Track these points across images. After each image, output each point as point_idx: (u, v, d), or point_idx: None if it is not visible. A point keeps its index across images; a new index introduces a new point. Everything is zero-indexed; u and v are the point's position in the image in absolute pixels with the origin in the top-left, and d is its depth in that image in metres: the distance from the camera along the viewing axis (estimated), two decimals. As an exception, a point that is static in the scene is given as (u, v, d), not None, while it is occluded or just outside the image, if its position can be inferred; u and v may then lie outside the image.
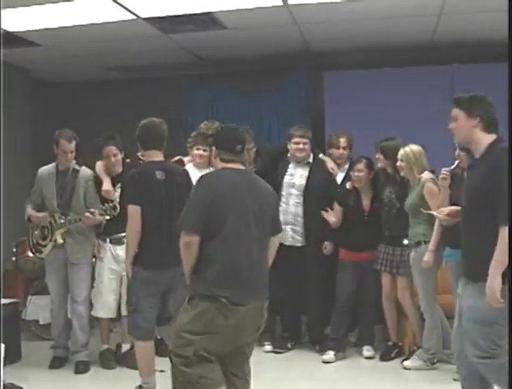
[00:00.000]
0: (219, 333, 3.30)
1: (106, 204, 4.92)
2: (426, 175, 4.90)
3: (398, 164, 4.96)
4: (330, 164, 5.64)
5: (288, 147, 5.56)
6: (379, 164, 5.34)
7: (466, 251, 3.40)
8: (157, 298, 4.25)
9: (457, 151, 4.60)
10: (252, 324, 3.41)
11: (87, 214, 4.91)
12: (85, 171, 5.21)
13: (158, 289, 4.24)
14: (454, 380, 4.60)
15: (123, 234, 4.71)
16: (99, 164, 5.28)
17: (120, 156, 5.20)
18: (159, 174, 4.23)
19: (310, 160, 5.58)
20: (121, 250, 4.97)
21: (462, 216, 3.46)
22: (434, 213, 3.98)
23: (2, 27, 5.53)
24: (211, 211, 3.29)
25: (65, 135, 5.06)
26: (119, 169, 5.23)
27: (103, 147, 5.19)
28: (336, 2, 5.24)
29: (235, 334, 3.34)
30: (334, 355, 5.29)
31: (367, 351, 5.37)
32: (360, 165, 5.36)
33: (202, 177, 3.51)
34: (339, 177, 5.69)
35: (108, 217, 4.93)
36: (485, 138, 3.28)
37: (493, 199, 3.11)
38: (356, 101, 6.61)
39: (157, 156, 4.34)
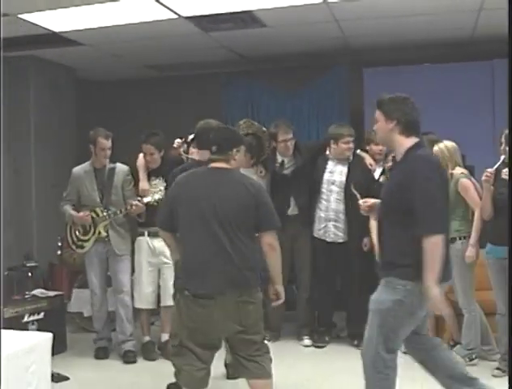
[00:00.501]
0: (194, 324, 3.46)
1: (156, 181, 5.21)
2: (457, 170, 4.90)
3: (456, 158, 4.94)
4: (368, 160, 5.67)
5: (333, 145, 5.58)
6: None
7: (379, 247, 3.45)
8: None
9: (502, 146, 4.56)
10: (231, 315, 3.45)
11: (135, 202, 5.05)
12: (121, 167, 5.37)
13: None
14: (493, 376, 4.62)
15: None
16: (141, 158, 5.42)
17: (157, 155, 5.33)
18: None
19: (351, 156, 5.63)
20: (158, 243, 5.09)
21: (378, 215, 3.49)
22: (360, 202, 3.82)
23: (49, 27, 5.70)
24: (172, 209, 3.58)
25: (102, 134, 5.24)
26: (156, 165, 5.37)
27: (142, 144, 5.34)
28: (375, -1, 5.28)
29: (211, 325, 3.46)
30: None
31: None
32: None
33: (177, 177, 3.76)
34: (377, 173, 5.71)
35: (157, 199, 5.08)
36: (404, 142, 3.29)
37: (408, 208, 3.13)
38: (395, 98, 6.61)
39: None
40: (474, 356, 4.91)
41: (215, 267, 3.43)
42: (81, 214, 5.21)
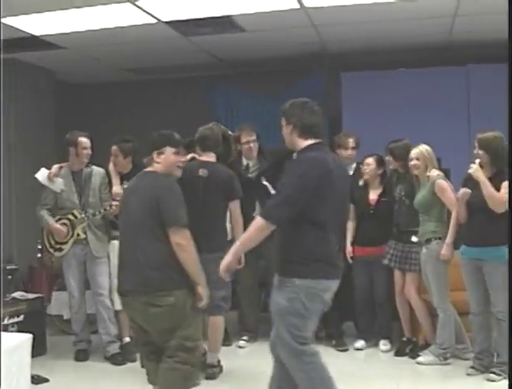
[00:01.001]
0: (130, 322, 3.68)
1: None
2: (434, 172, 5.00)
3: (413, 162, 5.04)
4: None
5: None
6: (391, 166, 5.45)
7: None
8: None
9: (475, 150, 4.65)
10: (143, 316, 3.50)
11: (115, 202, 5.10)
12: (98, 170, 5.43)
13: None
14: (468, 375, 4.71)
15: None
16: (111, 166, 5.50)
17: (121, 158, 5.41)
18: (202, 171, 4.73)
19: None
20: None
21: None
22: None
23: (29, 31, 5.73)
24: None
25: (82, 134, 5.31)
26: (124, 170, 5.44)
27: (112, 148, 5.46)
28: (353, 5, 5.33)
29: (133, 323, 3.62)
30: (366, 343, 5.56)
31: (383, 345, 5.50)
32: (370, 159, 5.51)
33: None
34: None
35: None
36: (301, 144, 3.46)
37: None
38: (372, 102, 6.72)
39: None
40: (448, 356, 5.00)
41: (127, 267, 3.57)
42: (56, 226, 5.23)
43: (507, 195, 4.40)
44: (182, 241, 3.47)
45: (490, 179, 4.56)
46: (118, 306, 5.38)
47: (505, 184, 4.44)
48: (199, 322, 3.64)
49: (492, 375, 4.56)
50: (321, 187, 3.30)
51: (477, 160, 4.62)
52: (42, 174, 5.30)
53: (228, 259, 3.41)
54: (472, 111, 6.52)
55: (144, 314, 3.49)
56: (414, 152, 5.03)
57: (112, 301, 5.36)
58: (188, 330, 3.50)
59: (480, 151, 4.59)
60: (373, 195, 5.52)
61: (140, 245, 3.51)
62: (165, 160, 3.68)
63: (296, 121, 3.45)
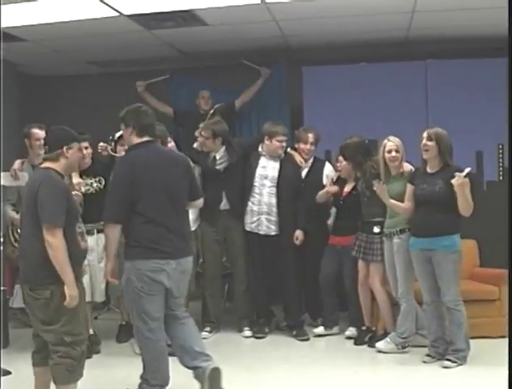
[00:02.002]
0: None
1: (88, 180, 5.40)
2: (408, 166, 5.15)
3: (393, 154, 5.10)
4: (298, 158, 5.91)
5: (267, 142, 5.77)
6: (339, 168, 5.69)
7: None
8: None
9: (423, 141, 4.78)
10: (28, 306, 3.69)
11: (74, 192, 5.11)
12: None
13: None
14: (424, 362, 4.85)
15: (92, 224, 5.16)
16: None
17: (90, 150, 5.48)
18: None
19: (282, 154, 5.84)
20: (92, 241, 5.21)
21: None
22: None
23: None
24: None
25: (35, 125, 5.35)
26: (88, 164, 5.51)
27: None
28: (312, 0, 5.41)
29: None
30: (325, 329, 5.71)
31: (349, 331, 5.64)
32: (340, 157, 5.69)
33: None
34: (303, 172, 5.96)
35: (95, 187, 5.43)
36: (136, 142, 4.04)
37: None
38: (334, 96, 6.79)
39: None
40: (407, 345, 5.14)
41: (19, 262, 3.80)
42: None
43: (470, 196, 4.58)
44: (50, 238, 3.50)
45: (437, 173, 4.74)
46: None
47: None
48: (81, 318, 3.70)
49: (447, 362, 4.71)
50: (135, 181, 3.88)
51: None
52: (4, 177, 5.28)
53: (110, 265, 4.04)
54: (431, 106, 6.65)
55: (29, 306, 3.65)
56: (392, 144, 5.13)
57: None
58: (67, 326, 3.58)
59: (430, 143, 4.73)
60: (347, 188, 5.68)
61: (24, 242, 3.73)
62: (72, 155, 3.76)
63: (134, 124, 4.01)
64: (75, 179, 5.38)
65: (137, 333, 4.07)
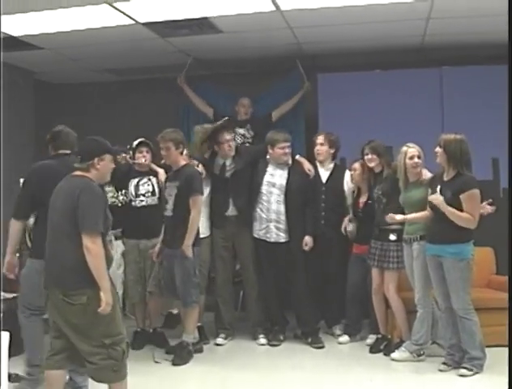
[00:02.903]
0: None
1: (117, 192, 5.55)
2: (427, 173, 5.14)
3: (416, 160, 5.08)
4: (306, 165, 5.89)
5: (270, 150, 5.78)
6: (372, 164, 5.52)
7: None
8: None
9: (437, 148, 4.79)
10: (58, 311, 3.69)
11: None
12: None
13: None
14: (440, 370, 4.82)
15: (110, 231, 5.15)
16: None
17: None
18: None
19: (289, 161, 5.83)
20: None
21: None
22: None
23: (8, 32, 5.74)
24: None
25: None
26: None
27: None
28: (328, 7, 5.41)
29: (50, 314, 3.82)
30: (349, 337, 5.73)
31: (370, 339, 5.65)
32: (356, 164, 5.68)
33: None
34: (324, 176, 5.93)
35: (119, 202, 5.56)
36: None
37: None
38: (348, 103, 6.77)
39: None
40: (422, 352, 5.10)
41: (47, 265, 3.76)
42: None
43: (474, 209, 4.59)
44: (90, 245, 3.56)
45: (450, 181, 4.71)
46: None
47: (470, 195, 4.58)
48: (118, 318, 3.75)
49: (463, 370, 4.68)
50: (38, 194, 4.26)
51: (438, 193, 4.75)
52: None
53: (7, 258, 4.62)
54: (446, 113, 6.62)
55: (63, 310, 3.65)
56: (414, 151, 5.12)
57: None
58: (106, 329, 3.64)
59: (439, 149, 4.74)
60: (362, 198, 5.68)
61: (56, 247, 3.71)
62: (103, 166, 3.81)
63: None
64: None
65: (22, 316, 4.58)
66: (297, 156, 5.96)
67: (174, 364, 5.15)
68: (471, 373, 4.65)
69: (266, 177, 5.78)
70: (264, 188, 5.75)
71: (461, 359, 4.77)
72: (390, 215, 5.04)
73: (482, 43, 6.42)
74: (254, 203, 5.78)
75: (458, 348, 4.81)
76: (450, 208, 4.64)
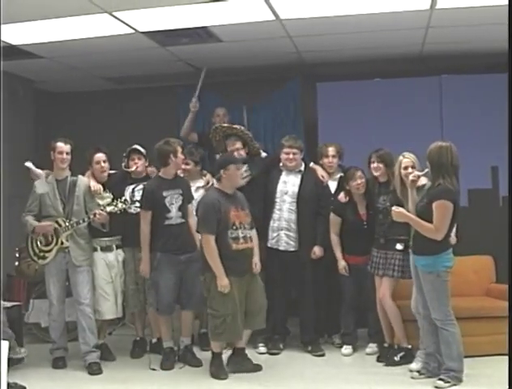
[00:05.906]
0: None
1: (115, 200, 5.33)
2: (423, 180, 5.05)
3: (410, 170, 5.02)
4: (320, 172, 5.86)
5: (281, 156, 5.78)
6: (377, 173, 5.50)
7: None
8: None
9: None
10: None
11: (98, 211, 5.20)
12: (82, 179, 5.48)
13: None
14: (412, 378, 4.78)
15: (110, 238, 5.47)
16: (88, 174, 5.64)
17: (107, 164, 5.62)
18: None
19: (302, 168, 5.80)
20: (112, 256, 5.49)
21: None
22: None
23: (8, 40, 5.75)
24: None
25: (60, 139, 5.38)
26: (105, 178, 5.64)
27: (92, 156, 5.62)
28: (327, 17, 5.43)
29: None
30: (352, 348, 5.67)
31: (369, 348, 5.63)
32: (360, 173, 5.58)
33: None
34: (332, 187, 5.91)
35: (119, 209, 5.32)
36: None
37: None
38: (348, 111, 6.79)
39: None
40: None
41: None
42: (44, 223, 5.27)
43: (440, 220, 4.51)
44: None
45: (428, 190, 4.76)
46: (106, 316, 5.51)
47: (437, 205, 4.52)
48: (223, 299, 4.90)
49: (439, 382, 4.57)
50: None
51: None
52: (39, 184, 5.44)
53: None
54: (445, 121, 6.64)
55: None
56: (408, 161, 5.09)
57: (97, 311, 5.46)
58: (211, 301, 4.98)
59: (427, 160, 4.70)
60: (362, 210, 5.64)
61: None
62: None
63: None
64: (94, 185, 5.47)
65: None
66: (311, 164, 5.95)
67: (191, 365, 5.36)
68: (447, 385, 4.53)
69: (280, 186, 5.76)
70: (277, 196, 5.73)
71: (434, 369, 4.71)
72: (394, 208, 4.85)
73: (481, 52, 6.44)
74: (269, 212, 5.75)
75: (434, 358, 4.74)
76: (414, 217, 4.63)
